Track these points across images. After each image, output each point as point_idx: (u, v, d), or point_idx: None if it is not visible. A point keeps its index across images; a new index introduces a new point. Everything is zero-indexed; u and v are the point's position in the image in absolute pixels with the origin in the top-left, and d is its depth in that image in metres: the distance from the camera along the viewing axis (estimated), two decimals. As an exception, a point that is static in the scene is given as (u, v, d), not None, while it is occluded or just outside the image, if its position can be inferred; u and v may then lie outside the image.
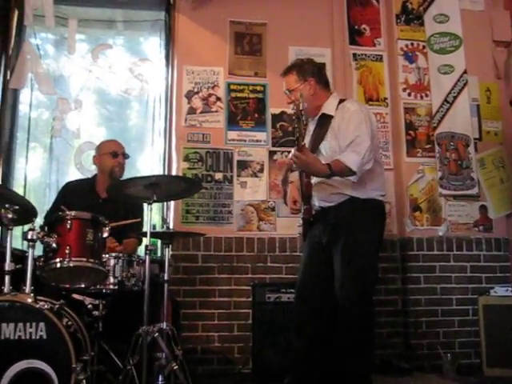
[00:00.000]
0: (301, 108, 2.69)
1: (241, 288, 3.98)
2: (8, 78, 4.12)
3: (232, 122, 4.23)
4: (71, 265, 2.62)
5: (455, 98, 4.31)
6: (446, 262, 4.15)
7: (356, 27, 4.50)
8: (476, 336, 3.90)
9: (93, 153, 3.64)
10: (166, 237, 3.08)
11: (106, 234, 2.77)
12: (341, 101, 3.00)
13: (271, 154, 4.23)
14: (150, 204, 2.82)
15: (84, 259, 2.66)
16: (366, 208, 2.83)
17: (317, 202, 2.93)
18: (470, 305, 4.06)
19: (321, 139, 2.93)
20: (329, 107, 2.97)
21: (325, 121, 2.96)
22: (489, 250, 4.22)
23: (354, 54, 4.44)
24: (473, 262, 4.18)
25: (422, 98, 4.36)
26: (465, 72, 4.32)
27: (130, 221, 3.23)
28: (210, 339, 3.94)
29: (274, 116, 4.27)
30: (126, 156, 3.54)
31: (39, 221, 2.74)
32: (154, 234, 3.03)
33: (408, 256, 4.14)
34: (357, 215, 2.81)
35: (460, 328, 4.07)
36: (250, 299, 3.79)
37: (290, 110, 4.03)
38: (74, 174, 4.11)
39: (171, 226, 3.96)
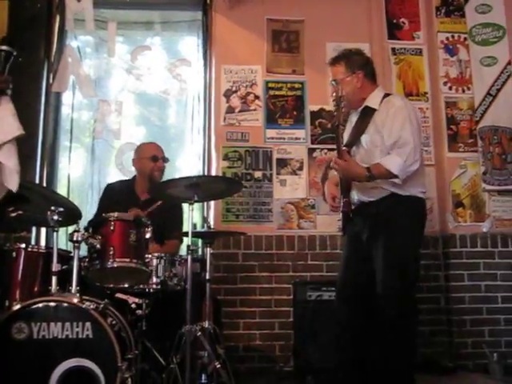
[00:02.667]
0: (340, 95, 2.71)
1: (281, 286, 3.98)
2: (51, 81, 4.21)
3: (270, 120, 4.23)
4: (115, 265, 2.68)
5: (498, 90, 4.20)
6: (490, 259, 4.05)
7: (395, 21, 4.44)
8: (523, 335, 3.85)
9: (133, 154, 3.69)
10: (207, 236, 3.11)
11: (148, 235, 2.81)
12: (386, 95, 2.96)
13: (310, 151, 4.21)
14: (191, 204, 2.85)
15: (127, 260, 2.71)
16: (406, 205, 2.80)
17: (356, 196, 2.91)
18: (516, 303, 3.97)
19: (362, 132, 2.90)
20: (373, 100, 2.93)
21: (367, 113, 2.92)
22: (534, 246, 4.11)
23: (393, 49, 4.38)
24: (518, 259, 4.08)
25: (463, 91, 4.27)
26: (509, 63, 4.21)
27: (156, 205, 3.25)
28: (251, 337, 3.96)
29: (312, 113, 4.25)
30: (165, 160, 3.56)
31: (83, 222, 2.80)
32: (196, 234, 3.07)
33: (451, 253, 4.07)
34: (398, 212, 2.77)
35: (506, 326, 3.97)
36: (291, 297, 3.81)
37: (329, 107, 4.04)
38: (115, 175, 4.18)
39: (212, 225, 4.01)
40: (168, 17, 4.67)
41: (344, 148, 2.83)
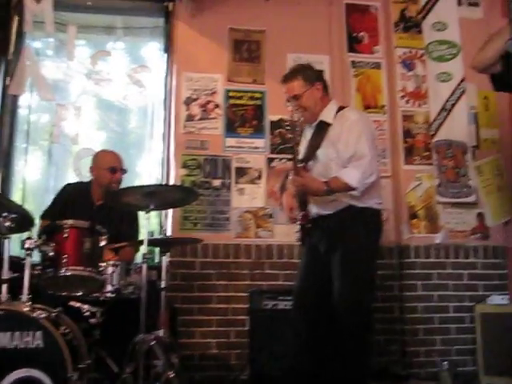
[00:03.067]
0: (296, 119, 2.74)
1: (238, 295, 3.98)
2: (7, 83, 4.13)
3: (230, 128, 4.23)
4: (68, 273, 2.65)
5: (453, 105, 4.31)
6: (443, 270, 4.14)
7: (354, 34, 4.52)
8: (473, 344, 3.93)
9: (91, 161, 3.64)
10: (163, 244, 3.10)
11: (103, 243, 2.79)
12: (340, 108, 2.99)
13: (269, 160, 4.24)
14: (147, 213, 2.84)
15: (81, 268, 2.69)
16: (363, 217, 2.84)
17: (314, 209, 2.94)
18: (466, 312, 4.06)
19: (317, 146, 2.94)
20: (327, 114, 2.96)
21: (322, 128, 2.96)
22: (486, 257, 4.21)
23: (353, 62, 4.45)
24: (470, 270, 4.18)
25: (419, 105, 4.36)
26: (463, 80, 4.31)
27: (122, 244, 3.20)
28: (207, 346, 3.94)
29: (272, 123, 4.27)
30: (124, 171, 3.51)
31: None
32: (152, 242, 3.06)
33: (405, 263, 4.15)
34: (355, 224, 2.82)
35: (457, 335, 4.07)
36: (248, 306, 3.81)
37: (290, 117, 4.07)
38: (72, 180, 4.10)
39: (169, 233, 4.00)
40: (130, 22, 4.65)
41: (300, 165, 2.88)
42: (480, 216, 4.27)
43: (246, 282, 4.02)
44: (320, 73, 3.11)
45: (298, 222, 2.96)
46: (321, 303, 2.87)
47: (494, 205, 4.27)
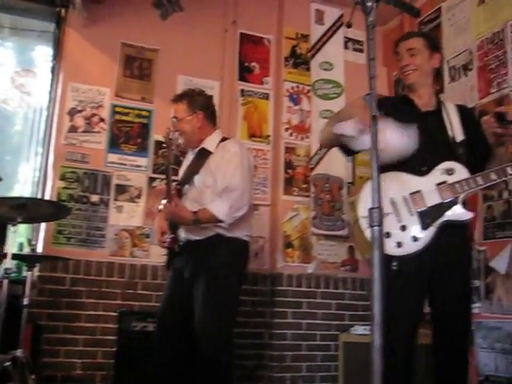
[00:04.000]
0: (170, 137, 2.77)
1: (108, 314, 3.87)
2: None
3: (114, 144, 4.15)
4: None
5: (333, 142, 4.52)
6: (313, 299, 4.28)
7: (246, 64, 4.63)
8: (336, 371, 4.08)
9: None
10: (28, 260, 2.97)
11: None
12: (223, 139, 3.07)
13: (151, 180, 4.20)
14: (14, 225, 2.72)
15: None
16: (230, 246, 2.89)
17: (183, 234, 2.96)
18: (332, 341, 4.20)
19: (196, 172, 2.98)
20: (210, 143, 3.02)
21: (203, 155, 3.01)
22: (353, 289, 4.41)
23: (242, 90, 4.55)
24: (338, 300, 4.35)
25: (302, 139, 4.52)
26: (344, 119, 4.53)
27: None
28: (72, 366, 3.78)
29: (157, 143, 4.22)
30: None
31: None
32: (16, 257, 2.92)
33: (278, 291, 4.24)
34: (220, 252, 2.85)
35: (322, 363, 4.20)
36: (117, 326, 3.72)
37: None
38: None
39: (40, 247, 3.83)
40: (18, 23, 4.44)
41: (175, 187, 2.92)
42: (351, 249, 4.47)
43: (118, 302, 3.92)
44: (208, 101, 3.13)
45: (166, 245, 2.96)
46: (181, 328, 2.88)
47: (363, 240, 4.48)
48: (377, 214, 1.49)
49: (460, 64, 4.12)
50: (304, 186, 4.44)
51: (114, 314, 3.80)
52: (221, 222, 2.80)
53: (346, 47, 4.78)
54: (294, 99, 4.57)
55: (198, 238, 2.90)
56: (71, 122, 4.10)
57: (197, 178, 2.96)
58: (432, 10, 4.44)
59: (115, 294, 3.94)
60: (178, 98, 3.08)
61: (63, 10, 4.31)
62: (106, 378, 3.77)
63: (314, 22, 4.72)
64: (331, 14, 4.76)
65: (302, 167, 4.47)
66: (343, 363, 4.01)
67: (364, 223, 2.30)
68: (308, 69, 4.64)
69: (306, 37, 4.70)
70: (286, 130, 4.49)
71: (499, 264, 3.59)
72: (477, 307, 3.66)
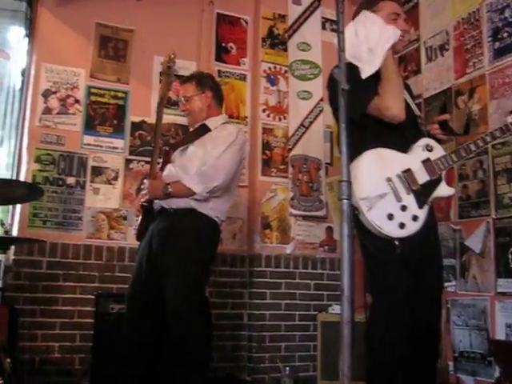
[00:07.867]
0: (169, 64, 3.02)
1: (86, 297, 3.84)
2: None
3: (89, 126, 4.10)
4: None
5: (311, 123, 4.53)
6: (291, 279, 4.31)
7: (223, 44, 4.59)
8: (315, 350, 4.11)
9: None
10: (1, 242, 2.94)
11: None
12: (226, 123, 3.16)
13: (128, 162, 4.16)
14: (-16, 207, 2.69)
15: None
16: (200, 221, 2.90)
17: (158, 201, 2.97)
18: (311, 321, 4.24)
19: (190, 141, 3.05)
20: (212, 122, 3.09)
21: (203, 130, 3.07)
22: (332, 269, 4.44)
23: (219, 71, 4.51)
24: (316, 280, 4.38)
25: (280, 119, 4.52)
26: (321, 100, 4.54)
27: None
28: (49, 349, 3.76)
29: (133, 124, 4.20)
30: None
31: None
32: (-12, 239, 2.89)
33: (256, 272, 4.26)
34: (190, 224, 2.88)
35: (301, 343, 4.24)
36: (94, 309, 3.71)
37: (151, 119, 4.06)
38: None
39: (16, 230, 3.79)
40: (-10, 3, 4.35)
41: (164, 150, 3.03)
42: (329, 230, 4.50)
43: (95, 285, 3.90)
44: (216, 84, 3.24)
45: (140, 203, 3.00)
46: (151, 304, 2.89)
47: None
48: (345, 187, 1.49)
49: (437, 44, 4.14)
50: (282, 166, 4.45)
51: (92, 296, 3.77)
52: (194, 194, 2.83)
53: (323, 28, 4.77)
54: (272, 80, 4.55)
55: (171, 206, 2.91)
56: (46, 103, 4.03)
57: (190, 148, 3.01)
58: (409, -11, 4.45)
59: (93, 277, 3.92)
60: (186, 79, 3.17)
61: (35, -11, 4.22)
62: (85, 361, 3.76)
63: (292, 2, 4.70)
64: (309, -6, 4.74)
65: (280, 148, 4.47)
66: (321, 343, 4.03)
67: (364, 206, 2.27)
68: (285, 49, 4.63)
69: (283, 17, 4.68)
70: (264, 110, 4.48)
71: (474, 243, 3.64)
72: (452, 285, 3.72)
